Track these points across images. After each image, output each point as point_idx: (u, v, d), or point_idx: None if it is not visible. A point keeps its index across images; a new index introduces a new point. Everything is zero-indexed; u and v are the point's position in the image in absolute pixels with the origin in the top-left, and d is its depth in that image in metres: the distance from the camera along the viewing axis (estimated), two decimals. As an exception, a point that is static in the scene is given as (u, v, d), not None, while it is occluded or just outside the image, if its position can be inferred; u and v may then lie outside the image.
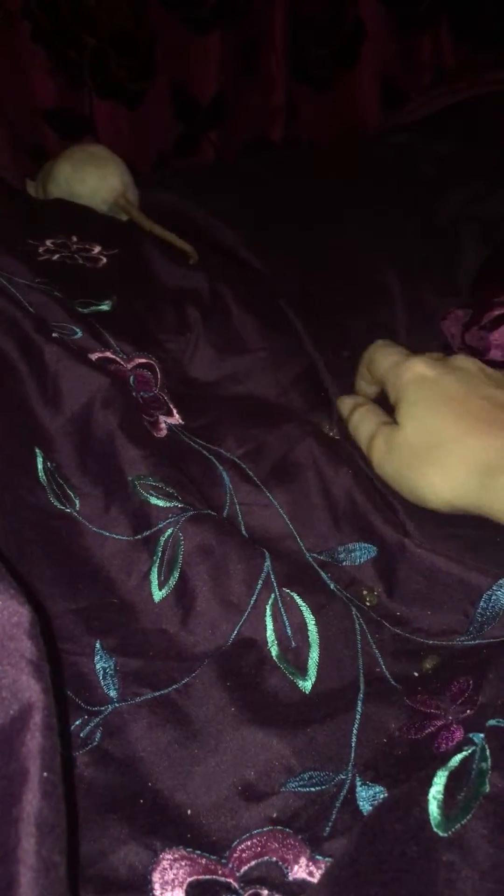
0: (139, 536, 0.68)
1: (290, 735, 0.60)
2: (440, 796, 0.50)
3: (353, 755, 0.58)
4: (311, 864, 0.52)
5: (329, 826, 0.54)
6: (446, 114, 1.35)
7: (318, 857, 0.53)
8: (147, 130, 1.55)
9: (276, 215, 1.17)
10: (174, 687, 0.61)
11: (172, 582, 0.66)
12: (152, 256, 0.99)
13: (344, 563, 0.71)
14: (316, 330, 0.94)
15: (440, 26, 1.64)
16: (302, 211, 1.17)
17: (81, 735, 0.58)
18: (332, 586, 0.69)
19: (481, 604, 0.67)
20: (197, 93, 1.57)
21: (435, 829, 0.48)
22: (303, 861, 0.52)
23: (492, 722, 0.53)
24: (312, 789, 0.56)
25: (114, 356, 0.80)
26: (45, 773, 0.44)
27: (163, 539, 0.67)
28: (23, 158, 1.48)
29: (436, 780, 0.51)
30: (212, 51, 1.54)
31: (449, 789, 0.50)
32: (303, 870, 0.52)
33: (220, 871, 0.51)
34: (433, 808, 0.49)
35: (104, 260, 0.96)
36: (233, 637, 0.64)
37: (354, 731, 0.60)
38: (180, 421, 0.80)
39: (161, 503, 0.69)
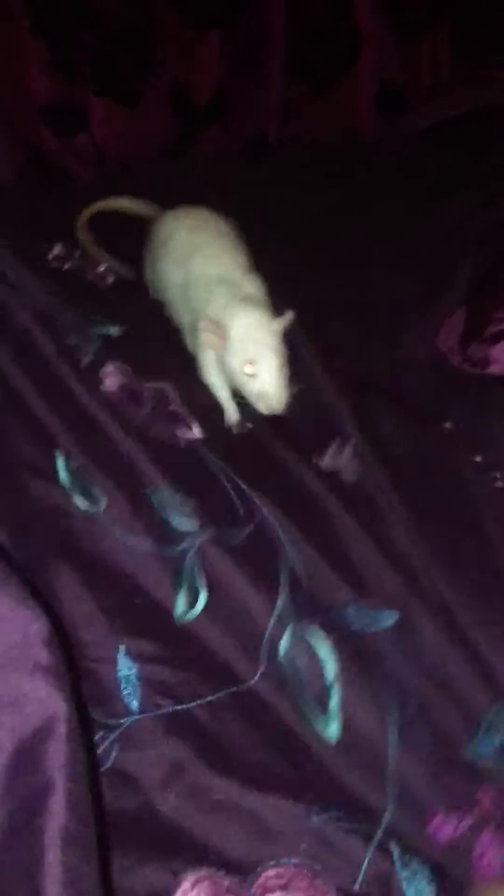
0: (163, 553, 0.69)
1: (315, 774, 0.60)
2: None
3: (388, 812, 0.59)
4: None
5: (361, 876, 0.54)
6: (446, 124, 1.36)
7: None
8: (145, 128, 1.54)
9: (277, 223, 1.18)
10: (198, 702, 0.62)
11: (199, 605, 0.67)
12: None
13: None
14: (312, 339, 0.96)
15: (439, 30, 1.64)
16: (301, 218, 1.18)
17: (98, 753, 0.58)
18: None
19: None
20: (195, 92, 1.56)
21: None
22: None
23: None
24: (345, 825, 0.56)
25: (126, 375, 0.81)
26: (70, 784, 0.45)
27: (186, 560, 0.68)
28: (19, 154, 1.47)
29: None
30: (211, 49, 1.53)
31: None
32: None
33: (241, 895, 0.52)
34: None
35: (110, 280, 0.96)
36: (258, 675, 0.64)
37: (390, 800, 0.60)
38: (200, 436, 0.80)
39: (180, 522, 0.69)
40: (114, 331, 0.87)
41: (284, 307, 0.90)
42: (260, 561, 0.71)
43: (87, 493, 0.70)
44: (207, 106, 1.57)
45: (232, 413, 0.90)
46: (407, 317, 1.02)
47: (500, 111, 1.32)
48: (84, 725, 0.54)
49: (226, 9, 1.51)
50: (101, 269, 0.96)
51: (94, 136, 1.52)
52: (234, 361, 0.84)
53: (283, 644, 0.65)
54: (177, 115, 1.58)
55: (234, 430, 0.89)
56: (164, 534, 0.69)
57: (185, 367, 0.90)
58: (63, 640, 0.53)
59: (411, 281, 1.06)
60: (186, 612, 0.67)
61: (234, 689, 0.63)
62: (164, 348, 0.90)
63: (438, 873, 0.56)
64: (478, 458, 0.86)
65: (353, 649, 0.66)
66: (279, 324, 0.86)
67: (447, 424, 0.90)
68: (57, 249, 0.96)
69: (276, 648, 0.65)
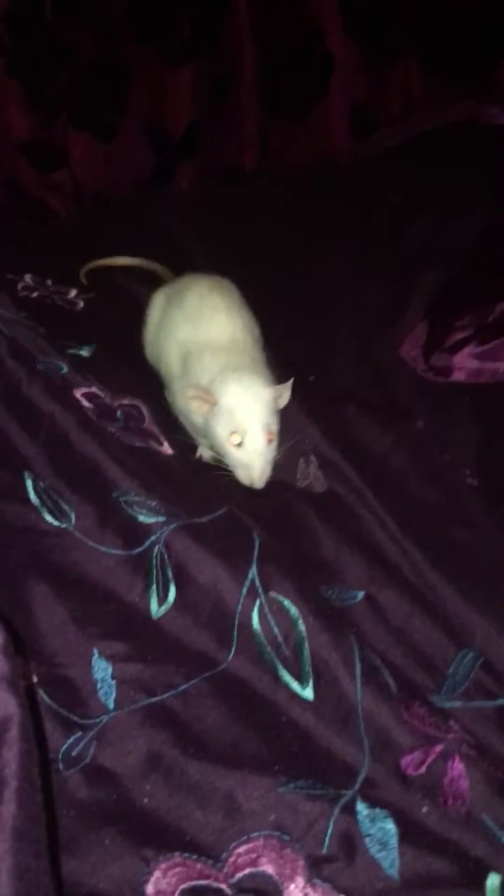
0: (133, 552, 0.70)
1: (288, 747, 0.61)
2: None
3: (363, 768, 0.60)
4: (308, 886, 0.54)
5: (327, 839, 0.55)
6: (415, 142, 1.39)
7: (316, 880, 0.54)
8: (121, 162, 1.57)
9: (247, 246, 1.20)
10: (171, 693, 0.63)
11: (170, 599, 0.68)
12: (129, 302, 1.03)
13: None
14: (282, 355, 0.97)
15: (409, 58, 1.68)
16: (271, 240, 1.20)
17: (74, 753, 0.59)
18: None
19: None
20: (170, 125, 1.59)
21: None
22: (299, 880, 0.53)
23: None
24: (312, 792, 0.57)
25: (99, 392, 0.82)
26: (21, 783, 0.46)
27: (153, 555, 0.69)
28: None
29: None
30: (184, 84, 1.56)
31: None
32: (299, 890, 0.53)
33: (213, 876, 0.53)
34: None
35: (81, 304, 0.98)
36: (230, 656, 0.66)
37: (363, 767, 0.61)
38: (170, 452, 0.82)
39: (146, 519, 0.71)
40: (84, 352, 0.88)
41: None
42: (228, 539, 0.72)
43: (57, 510, 0.72)
44: (183, 139, 1.60)
45: (205, 453, 0.90)
46: (373, 330, 1.04)
47: (463, 130, 1.34)
48: (38, 730, 0.55)
49: (197, 43, 1.53)
50: (72, 295, 0.98)
51: (73, 172, 1.55)
52: (220, 429, 0.81)
53: (255, 613, 0.66)
54: (153, 148, 1.61)
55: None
56: (131, 533, 0.70)
57: (156, 386, 0.91)
58: (20, 650, 0.54)
59: (377, 296, 1.08)
60: (159, 608, 0.68)
61: (207, 673, 0.64)
62: (135, 368, 0.92)
63: (403, 818, 0.57)
64: (447, 457, 0.88)
65: (321, 608, 0.67)
66: (272, 393, 0.83)
67: (419, 424, 0.92)
68: (27, 280, 0.98)
69: (250, 618, 0.66)
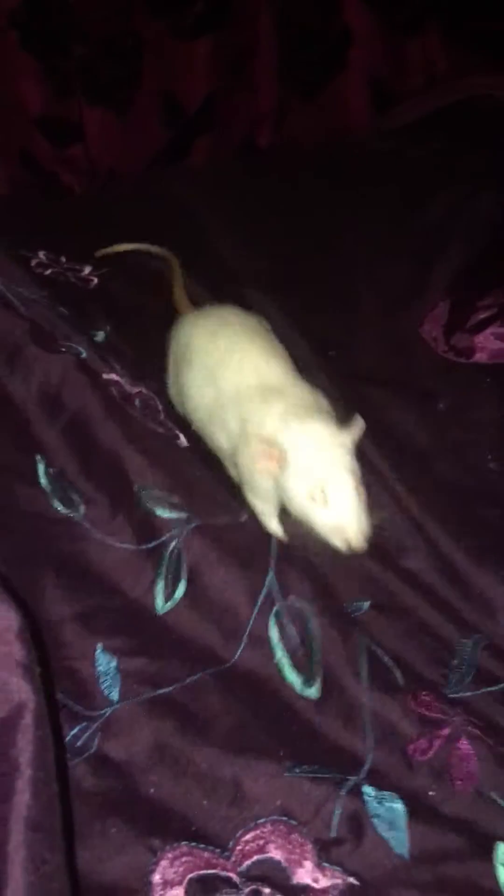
0: (144, 546, 0.69)
1: (293, 737, 0.61)
2: None
3: (369, 758, 0.60)
4: (317, 870, 0.53)
5: (336, 822, 0.54)
6: (435, 117, 1.36)
7: (325, 864, 0.54)
8: (137, 136, 1.55)
9: (267, 222, 1.18)
10: (176, 686, 0.62)
11: (178, 595, 0.67)
12: (143, 278, 1.01)
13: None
14: (303, 331, 0.96)
15: (430, 30, 1.64)
16: (288, 216, 1.18)
17: (79, 744, 0.59)
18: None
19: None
20: (185, 99, 1.57)
21: None
22: (308, 865, 0.53)
23: None
24: (320, 776, 0.57)
25: (118, 378, 0.81)
26: (36, 772, 0.45)
27: (167, 552, 0.68)
28: (10, 164, 1.49)
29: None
30: (200, 57, 1.54)
31: None
32: (308, 874, 0.53)
33: (221, 865, 0.52)
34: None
35: (95, 281, 0.96)
36: (238, 653, 0.65)
37: (370, 738, 0.61)
38: (186, 443, 0.81)
39: (166, 514, 0.70)
40: (99, 336, 0.87)
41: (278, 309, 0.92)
42: (247, 546, 0.71)
43: (65, 498, 0.71)
44: (198, 114, 1.58)
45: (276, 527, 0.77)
46: (394, 308, 1.02)
47: (485, 103, 1.31)
48: (54, 719, 0.54)
49: (211, 16, 1.51)
50: (86, 272, 0.97)
51: (88, 147, 1.53)
52: (300, 488, 0.69)
53: (272, 618, 0.66)
54: (168, 123, 1.59)
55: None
56: (146, 527, 0.69)
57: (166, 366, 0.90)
58: (37, 636, 0.53)
59: (396, 274, 1.06)
60: (165, 604, 0.67)
61: (212, 669, 0.64)
62: (149, 353, 0.90)
63: (411, 800, 0.57)
64: (471, 438, 0.86)
65: (335, 614, 0.68)
66: (349, 436, 0.71)
67: (441, 405, 0.90)
68: (40, 256, 0.96)
69: (266, 622, 0.65)
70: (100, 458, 0.73)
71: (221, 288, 1.02)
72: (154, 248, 1.03)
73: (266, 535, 0.73)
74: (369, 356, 0.98)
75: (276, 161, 1.48)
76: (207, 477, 0.77)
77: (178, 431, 0.81)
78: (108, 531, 0.69)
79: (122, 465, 0.72)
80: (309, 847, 0.54)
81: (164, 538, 0.68)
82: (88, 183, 1.53)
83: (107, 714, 0.60)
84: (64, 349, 0.78)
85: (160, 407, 0.82)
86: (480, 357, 0.95)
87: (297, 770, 0.57)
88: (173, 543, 0.68)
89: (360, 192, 1.21)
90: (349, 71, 1.64)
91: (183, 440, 0.80)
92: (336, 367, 0.93)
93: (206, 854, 0.52)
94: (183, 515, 0.70)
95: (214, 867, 0.52)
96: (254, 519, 0.74)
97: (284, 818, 0.55)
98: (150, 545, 0.69)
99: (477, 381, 0.94)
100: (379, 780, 0.58)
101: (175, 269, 0.98)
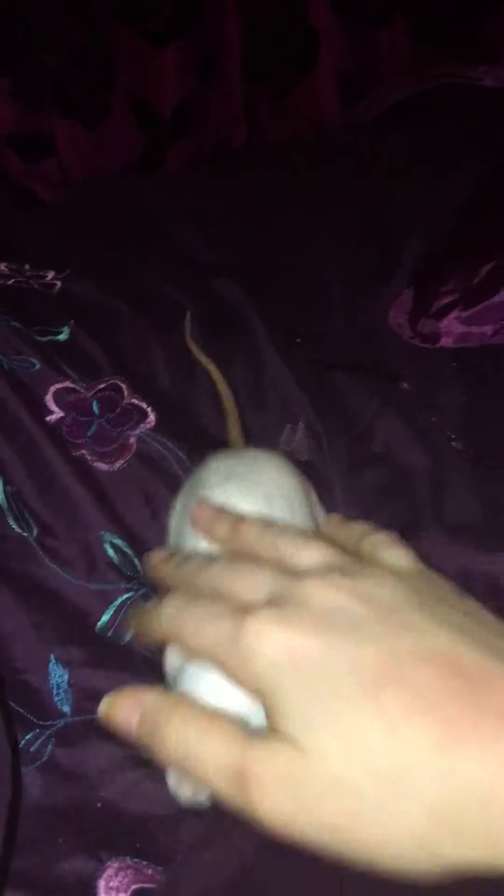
0: (95, 587, 0.69)
1: None
2: None
3: None
4: None
5: None
6: (399, 109, 1.36)
7: None
8: (111, 146, 1.56)
9: (236, 219, 1.19)
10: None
11: (123, 641, 0.67)
12: (110, 272, 1.01)
13: None
14: (271, 320, 0.96)
15: (396, 22, 1.64)
16: (256, 212, 1.18)
17: (32, 750, 0.59)
18: None
19: None
20: (158, 105, 1.58)
21: None
22: None
23: None
24: None
25: (73, 385, 0.81)
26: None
27: (118, 601, 0.68)
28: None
29: None
30: (170, 63, 1.55)
31: None
32: None
33: (163, 882, 0.52)
34: None
35: (58, 285, 0.96)
36: None
37: None
38: (154, 422, 0.80)
39: (125, 571, 0.70)
40: (62, 335, 0.87)
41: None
42: None
43: (21, 518, 0.71)
44: (171, 119, 1.59)
45: None
46: (359, 297, 1.02)
47: (447, 92, 1.31)
48: (9, 725, 0.54)
49: (180, 21, 1.51)
50: (49, 277, 0.97)
51: (61, 160, 1.54)
52: None
53: None
54: (142, 130, 1.60)
55: None
56: (97, 572, 0.69)
57: (136, 354, 0.91)
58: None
59: (363, 264, 1.06)
60: (105, 633, 0.67)
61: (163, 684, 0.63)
62: (115, 340, 0.90)
63: None
64: (433, 420, 0.86)
65: None
66: None
67: (405, 385, 0.90)
68: (1, 268, 0.97)
69: None
70: (53, 490, 0.73)
71: (192, 282, 1.02)
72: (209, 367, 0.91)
73: None
74: (336, 344, 0.97)
75: (247, 161, 1.48)
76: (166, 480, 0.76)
77: (146, 408, 0.81)
78: (60, 562, 0.69)
79: (79, 507, 0.73)
80: None
81: (118, 586, 0.68)
82: (63, 196, 1.53)
83: (59, 725, 0.60)
84: (14, 364, 0.79)
85: (124, 389, 0.82)
86: (446, 342, 0.95)
87: None
88: (127, 595, 0.68)
89: (327, 186, 1.21)
90: (319, 69, 1.65)
91: (152, 417, 0.80)
92: (302, 354, 0.94)
93: (149, 871, 0.53)
94: (137, 575, 0.70)
95: (157, 882, 0.52)
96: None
97: None
98: (100, 587, 0.69)
99: (443, 366, 0.94)
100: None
101: (228, 401, 0.86)
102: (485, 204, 1.06)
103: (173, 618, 0.43)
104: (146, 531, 0.73)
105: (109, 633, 0.66)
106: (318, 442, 0.83)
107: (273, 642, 0.38)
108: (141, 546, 0.71)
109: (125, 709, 0.42)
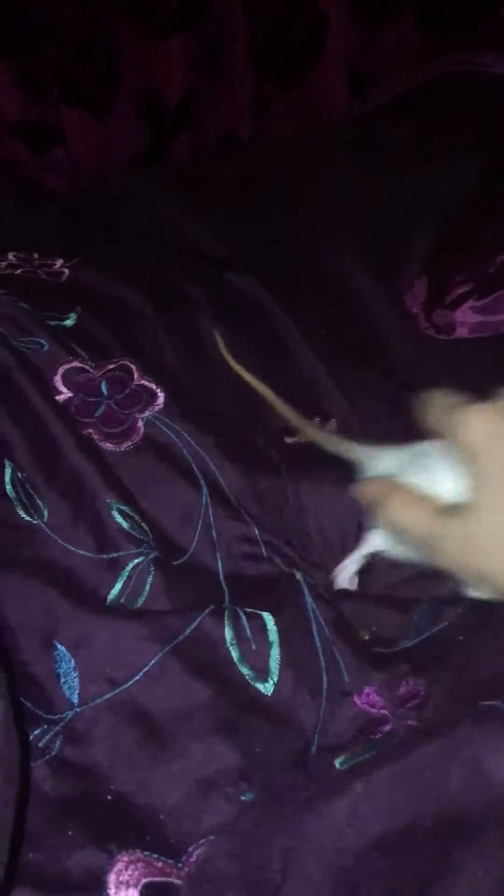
0: (105, 556, 0.68)
1: (251, 740, 0.60)
2: None
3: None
4: None
5: None
6: (407, 98, 1.35)
7: None
8: (117, 137, 1.56)
9: (242, 210, 1.18)
10: (136, 678, 0.61)
11: (136, 606, 0.66)
12: (117, 260, 1.00)
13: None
14: (291, 313, 0.95)
15: (404, 12, 1.63)
16: (267, 204, 1.18)
17: (41, 745, 0.58)
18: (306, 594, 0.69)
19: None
20: (164, 97, 1.57)
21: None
22: None
23: None
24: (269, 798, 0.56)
25: (82, 365, 0.80)
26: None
27: (130, 565, 0.68)
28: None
29: None
30: (175, 54, 1.54)
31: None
32: None
33: (175, 874, 0.51)
34: None
35: (66, 273, 0.95)
36: (192, 627, 0.64)
37: (314, 747, 0.60)
38: (163, 404, 0.79)
39: (135, 534, 0.69)
40: (69, 321, 0.86)
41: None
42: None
43: (30, 505, 0.70)
44: (177, 110, 1.58)
45: None
46: (375, 288, 1.01)
47: (457, 80, 1.30)
48: (19, 721, 0.53)
49: (185, 11, 1.50)
50: (57, 265, 0.96)
51: (69, 150, 1.53)
52: None
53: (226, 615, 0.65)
54: (148, 121, 1.59)
55: None
56: (110, 541, 0.69)
57: (144, 340, 0.90)
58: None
59: (375, 255, 1.05)
60: (118, 603, 0.66)
61: (168, 647, 0.62)
62: (124, 327, 0.89)
63: None
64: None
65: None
66: None
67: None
68: (10, 258, 0.96)
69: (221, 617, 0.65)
70: (62, 471, 0.72)
71: (204, 274, 1.02)
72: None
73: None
74: (352, 339, 0.96)
75: (254, 153, 1.47)
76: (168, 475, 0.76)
77: (156, 388, 0.80)
78: (68, 538, 0.69)
79: (86, 479, 0.72)
80: None
81: (129, 551, 0.68)
82: (71, 186, 1.53)
83: (67, 718, 0.59)
84: (22, 346, 0.78)
85: (134, 369, 0.81)
86: (461, 332, 0.94)
87: (252, 794, 0.56)
88: (138, 560, 0.67)
89: (336, 178, 1.20)
90: (326, 59, 1.64)
91: (161, 398, 0.79)
92: (325, 346, 0.93)
93: (159, 864, 0.52)
94: (149, 544, 0.69)
95: (168, 875, 0.51)
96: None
97: (234, 834, 0.54)
98: (112, 556, 0.68)
99: (462, 356, 0.93)
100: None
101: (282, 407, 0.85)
102: (495, 193, 1.04)
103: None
104: (151, 506, 0.73)
105: (122, 600, 0.66)
106: (352, 435, 0.82)
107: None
108: (146, 516, 0.71)
109: (365, 491, 0.65)
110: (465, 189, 1.08)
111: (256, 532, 0.74)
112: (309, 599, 0.67)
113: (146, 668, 0.61)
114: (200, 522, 0.73)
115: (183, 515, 0.74)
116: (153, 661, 0.62)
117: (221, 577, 0.72)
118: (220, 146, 1.63)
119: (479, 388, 0.86)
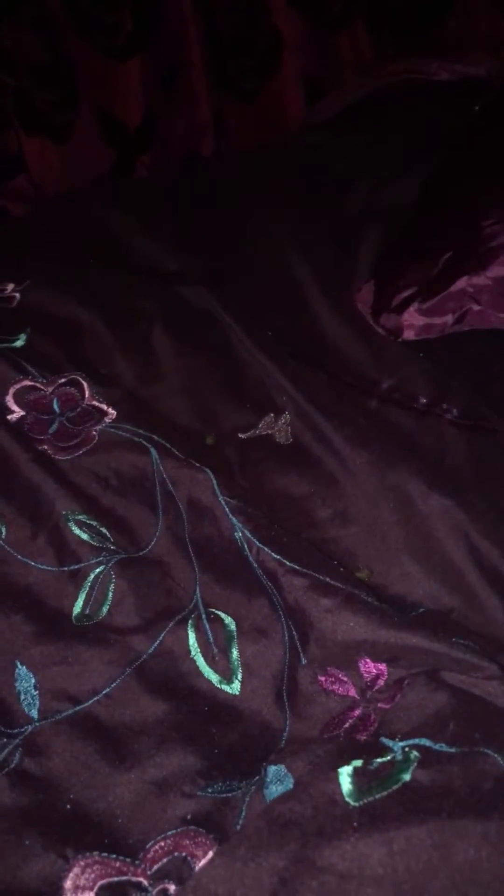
0: (66, 569, 0.70)
1: (210, 744, 0.61)
2: (352, 772, 0.52)
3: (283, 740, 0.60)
4: (216, 857, 0.53)
5: (240, 822, 0.55)
6: (357, 107, 1.37)
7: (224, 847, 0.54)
8: (80, 160, 1.57)
9: (195, 224, 1.19)
10: (96, 698, 0.62)
11: (100, 615, 0.68)
12: (69, 281, 1.01)
13: None
14: (244, 319, 0.98)
15: (356, 23, 1.65)
16: (218, 218, 1.19)
17: (0, 758, 0.59)
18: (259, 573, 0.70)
19: None
20: (124, 118, 1.58)
21: (347, 799, 0.51)
22: (210, 854, 0.53)
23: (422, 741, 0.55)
24: (229, 795, 0.57)
25: (33, 382, 0.82)
26: None
27: (92, 575, 0.69)
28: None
29: (352, 762, 0.53)
30: (133, 76, 1.55)
31: (361, 772, 0.52)
32: (208, 861, 0.53)
33: (131, 872, 0.53)
34: (344, 780, 0.52)
35: (17, 298, 0.97)
36: (154, 646, 0.65)
37: (284, 735, 0.61)
38: (115, 416, 0.82)
39: (94, 543, 0.70)
40: (20, 342, 0.88)
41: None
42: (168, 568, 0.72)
43: None
44: (139, 131, 1.59)
45: None
46: (326, 292, 1.03)
47: (405, 88, 1.32)
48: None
49: (141, 33, 1.52)
50: (8, 290, 0.97)
51: (31, 177, 1.54)
52: None
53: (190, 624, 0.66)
54: (110, 144, 1.60)
55: None
56: (70, 553, 0.70)
57: (95, 354, 0.92)
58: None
59: (324, 263, 1.06)
60: (83, 616, 0.68)
61: (129, 669, 0.64)
62: (75, 345, 0.91)
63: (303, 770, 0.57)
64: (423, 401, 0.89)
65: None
66: None
67: (384, 385, 0.91)
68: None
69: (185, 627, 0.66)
70: (17, 486, 0.74)
71: (157, 289, 1.04)
72: None
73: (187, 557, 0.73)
74: (304, 338, 0.98)
75: (211, 167, 1.49)
76: (127, 490, 0.77)
77: (106, 407, 0.82)
78: (28, 553, 0.70)
79: (42, 490, 0.73)
80: (213, 843, 0.54)
81: (89, 562, 0.69)
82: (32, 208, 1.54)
83: (27, 731, 0.61)
84: None
85: (85, 386, 0.83)
86: (409, 334, 0.95)
87: (210, 790, 0.58)
88: (100, 569, 0.69)
89: (289, 187, 1.22)
90: (283, 73, 1.66)
91: (112, 413, 0.82)
92: (277, 349, 0.95)
93: (116, 863, 0.53)
94: (110, 547, 0.70)
95: (125, 874, 0.52)
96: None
97: (193, 827, 0.55)
98: (73, 568, 0.69)
99: (410, 358, 0.94)
100: (286, 761, 0.58)
101: None
102: (439, 197, 1.06)
103: None
104: (109, 503, 0.76)
105: (87, 612, 0.67)
106: (311, 426, 0.85)
107: None
108: (104, 517, 0.73)
109: None
110: (407, 195, 1.09)
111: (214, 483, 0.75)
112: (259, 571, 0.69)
113: (107, 690, 0.63)
114: (158, 490, 0.75)
115: (138, 487, 0.76)
116: (115, 684, 0.63)
117: (187, 538, 0.73)
118: (184, 163, 1.64)
119: (426, 389, 0.89)
